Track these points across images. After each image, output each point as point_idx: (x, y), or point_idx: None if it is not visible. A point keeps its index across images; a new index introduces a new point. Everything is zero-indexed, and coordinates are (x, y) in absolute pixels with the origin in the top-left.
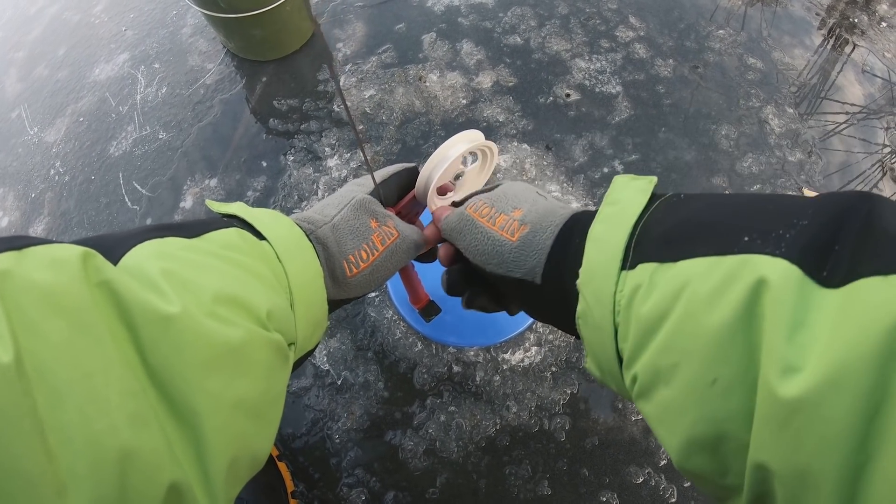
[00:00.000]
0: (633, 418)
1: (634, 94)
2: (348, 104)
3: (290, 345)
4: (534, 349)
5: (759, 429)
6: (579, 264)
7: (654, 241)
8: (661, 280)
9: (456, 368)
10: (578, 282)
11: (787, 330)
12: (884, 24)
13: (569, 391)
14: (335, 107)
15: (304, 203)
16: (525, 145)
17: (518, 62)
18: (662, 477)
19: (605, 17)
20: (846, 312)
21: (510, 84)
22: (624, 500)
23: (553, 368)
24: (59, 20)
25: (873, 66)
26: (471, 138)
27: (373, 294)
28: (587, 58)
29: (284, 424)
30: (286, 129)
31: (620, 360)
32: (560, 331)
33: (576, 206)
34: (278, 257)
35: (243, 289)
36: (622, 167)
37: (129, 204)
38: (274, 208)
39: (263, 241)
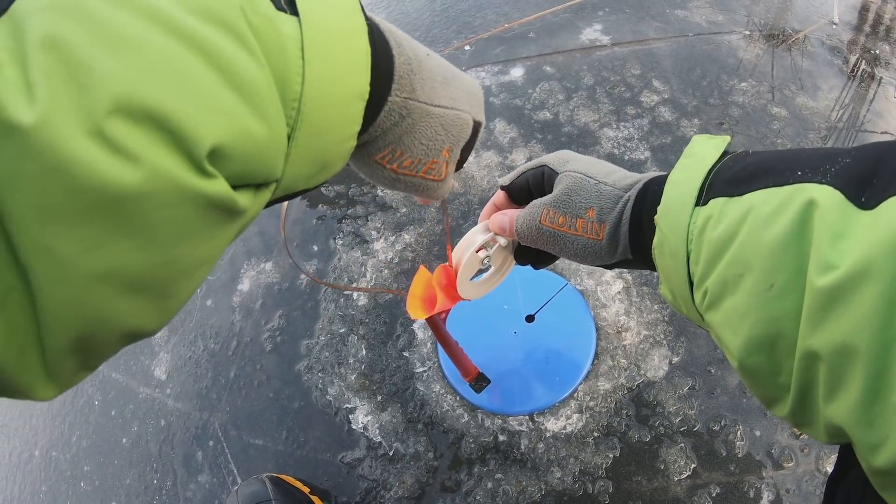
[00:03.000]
0: (676, 478)
1: (663, 157)
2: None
3: (259, 186)
4: (575, 416)
5: (806, 319)
6: (654, 211)
7: (723, 182)
8: (729, 209)
9: (501, 438)
10: (656, 217)
11: (830, 239)
12: None
13: (611, 455)
14: (379, 192)
15: (354, 285)
16: None
17: (549, 136)
18: None
19: (629, 83)
20: (875, 223)
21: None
22: None
23: (595, 434)
24: None
25: None
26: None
27: (421, 368)
28: (615, 126)
29: (339, 493)
30: (334, 214)
31: (691, 283)
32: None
33: (611, 274)
34: (302, 47)
35: (181, 95)
36: None
37: None
38: (325, 291)
39: (285, 16)
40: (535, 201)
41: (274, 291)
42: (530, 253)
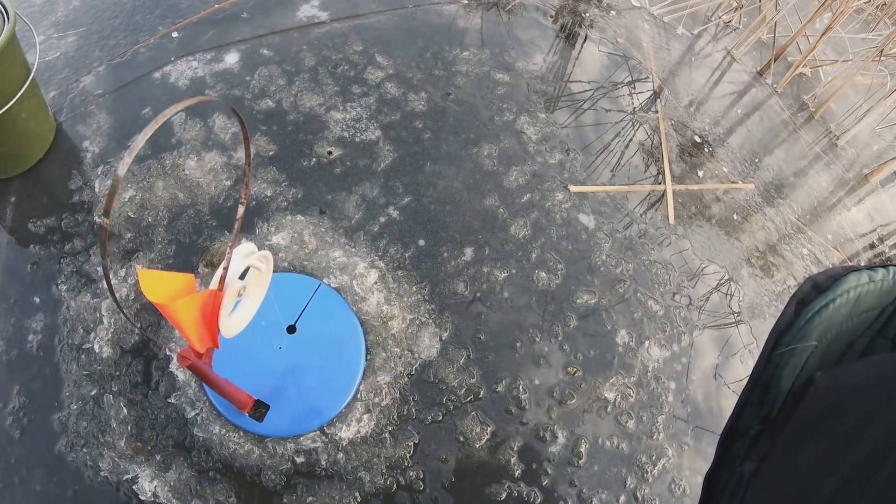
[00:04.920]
0: (477, 445)
1: (394, 135)
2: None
3: None
4: (365, 417)
5: None
6: None
7: None
8: None
9: (299, 460)
10: None
11: None
12: (613, 13)
13: (411, 443)
14: (96, 217)
15: (92, 335)
16: (299, 216)
17: (274, 127)
18: (521, 485)
19: (352, 61)
20: None
21: (271, 153)
22: None
23: (389, 428)
24: None
25: (611, 49)
26: (244, 254)
27: (192, 413)
28: (341, 108)
29: None
30: (50, 254)
31: None
32: (384, 391)
33: (363, 265)
34: None
35: None
36: (397, 212)
37: None
38: (61, 348)
39: None
40: None
41: (2, 363)
42: None
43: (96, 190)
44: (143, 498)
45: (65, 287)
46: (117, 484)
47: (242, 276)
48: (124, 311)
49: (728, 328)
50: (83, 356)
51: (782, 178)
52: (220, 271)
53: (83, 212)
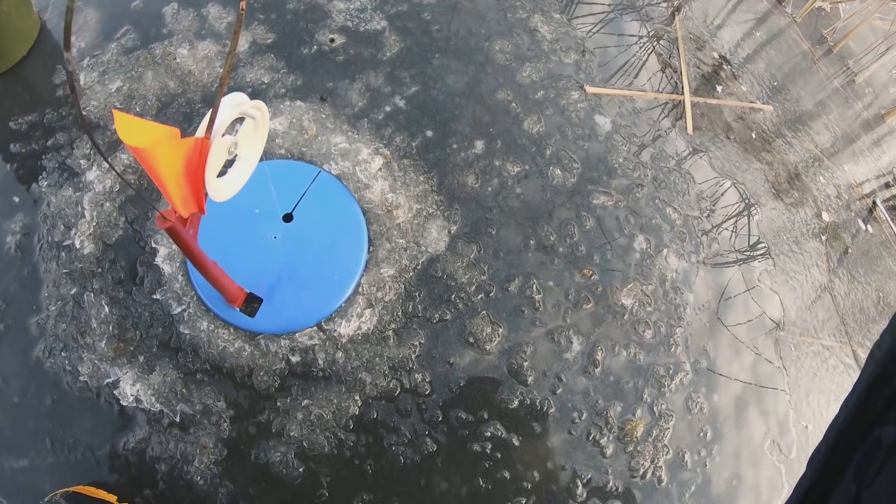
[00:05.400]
0: (487, 347)
1: (401, 25)
2: (83, 106)
3: None
4: (367, 313)
5: None
6: None
7: None
8: None
9: (294, 359)
10: None
11: None
12: None
13: (416, 343)
14: (82, 111)
15: (74, 231)
16: (298, 102)
17: (273, 16)
18: (534, 393)
19: None
20: None
21: (269, 41)
22: (508, 427)
23: (393, 326)
24: None
25: None
26: (235, 103)
27: (179, 308)
28: None
29: (140, 486)
30: (32, 151)
31: None
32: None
33: (367, 152)
34: None
35: None
36: (403, 102)
37: None
38: (41, 246)
39: None
40: None
41: None
42: None
43: (82, 83)
44: (124, 403)
45: (46, 183)
46: (98, 389)
47: (234, 135)
48: (99, 147)
49: (746, 246)
50: (63, 254)
51: (801, 105)
52: (207, 117)
53: (67, 105)
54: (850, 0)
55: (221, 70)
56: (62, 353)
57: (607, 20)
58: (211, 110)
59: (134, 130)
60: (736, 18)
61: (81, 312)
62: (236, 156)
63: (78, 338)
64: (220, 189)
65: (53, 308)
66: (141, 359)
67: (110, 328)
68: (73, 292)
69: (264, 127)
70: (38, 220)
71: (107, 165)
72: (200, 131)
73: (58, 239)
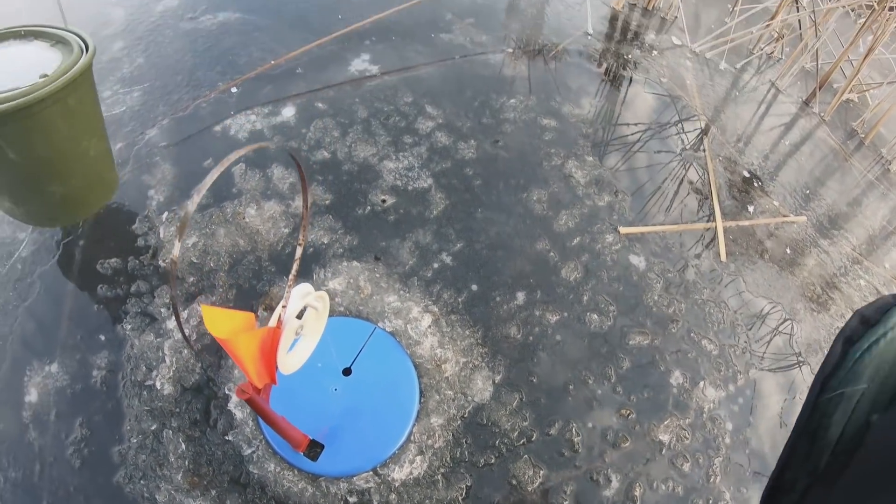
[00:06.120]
0: (530, 489)
1: (445, 182)
2: (175, 261)
3: None
4: (418, 459)
5: None
6: None
7: None
8: None
9: (352, 500)
10: None
11: None
12: (654, 53)
13: (463, 486)
14: (160, 261)
15: (155, 373)
16: (354, 262)
17: (330, 177)
18: None
19: (403, 112)
20: None
21: (327, 202)
22: None
23: (442, 470)
24: None
25: (655, 89)
26: (302, 294)
27: (249, 450)
28: (394, 157)
29: None
30: (116, 295)
31: None
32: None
33: (417, 310)
34: None
35: None
36: (450, 258)
37: None
38: (124, 384)
39: None
40: None
41: (67, 396)
42: None
43: (161, 235)
44: None
45: (129, 326)
46: None
47: (300, 317)
48: (190, 341)
49: (786, 367)
50: (145, 392)
51: (835, 208)
52: (278, 309)
53: (147, 253)
54: (879, 86)
55: (285, 230)
56: (141, 482)
57: (636, 153)
58: (281, 304)
59: (217, 320)
60: (764, 126)
61: (160, 446)
62: (301, 334)
63: (156, 468)
64: (288, 364)
65: (135, 440)
66: (213, 492)
67: (186, 462)
68: (153, 428)
69: (325, 312)
70: (122, 359)
71: (185, 314)
72: (273, 321)
73: (140, 378)
